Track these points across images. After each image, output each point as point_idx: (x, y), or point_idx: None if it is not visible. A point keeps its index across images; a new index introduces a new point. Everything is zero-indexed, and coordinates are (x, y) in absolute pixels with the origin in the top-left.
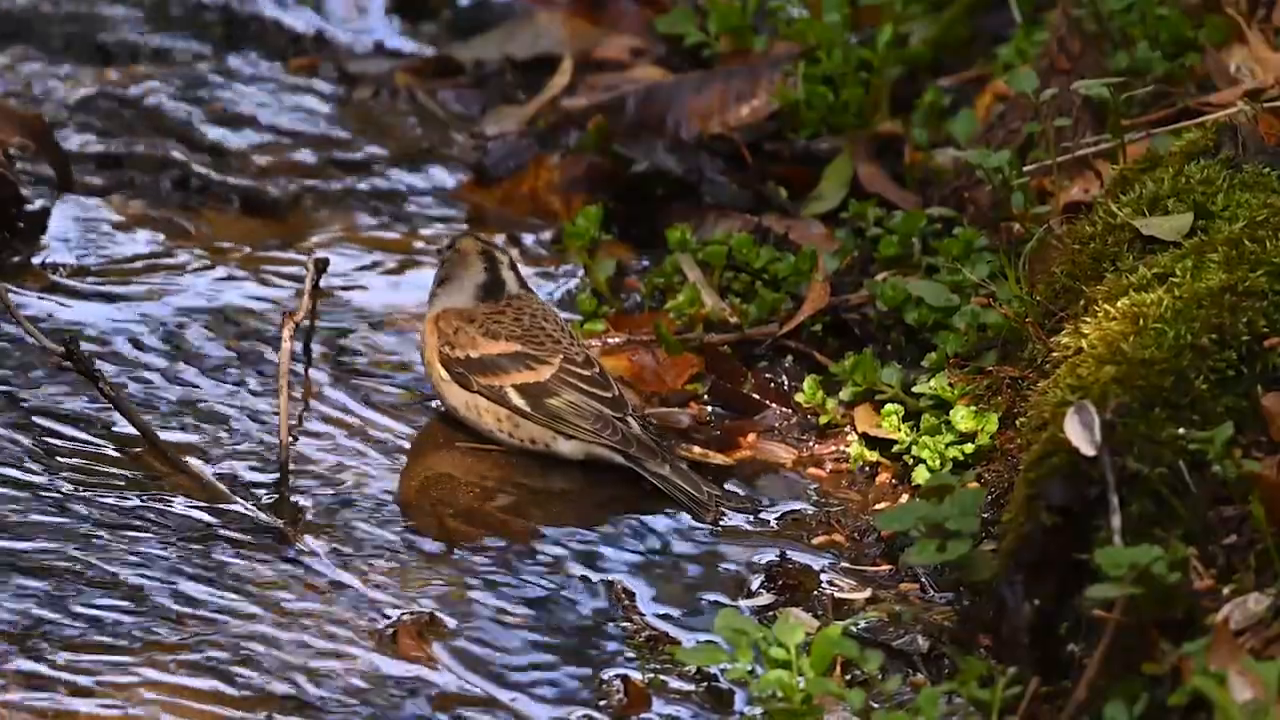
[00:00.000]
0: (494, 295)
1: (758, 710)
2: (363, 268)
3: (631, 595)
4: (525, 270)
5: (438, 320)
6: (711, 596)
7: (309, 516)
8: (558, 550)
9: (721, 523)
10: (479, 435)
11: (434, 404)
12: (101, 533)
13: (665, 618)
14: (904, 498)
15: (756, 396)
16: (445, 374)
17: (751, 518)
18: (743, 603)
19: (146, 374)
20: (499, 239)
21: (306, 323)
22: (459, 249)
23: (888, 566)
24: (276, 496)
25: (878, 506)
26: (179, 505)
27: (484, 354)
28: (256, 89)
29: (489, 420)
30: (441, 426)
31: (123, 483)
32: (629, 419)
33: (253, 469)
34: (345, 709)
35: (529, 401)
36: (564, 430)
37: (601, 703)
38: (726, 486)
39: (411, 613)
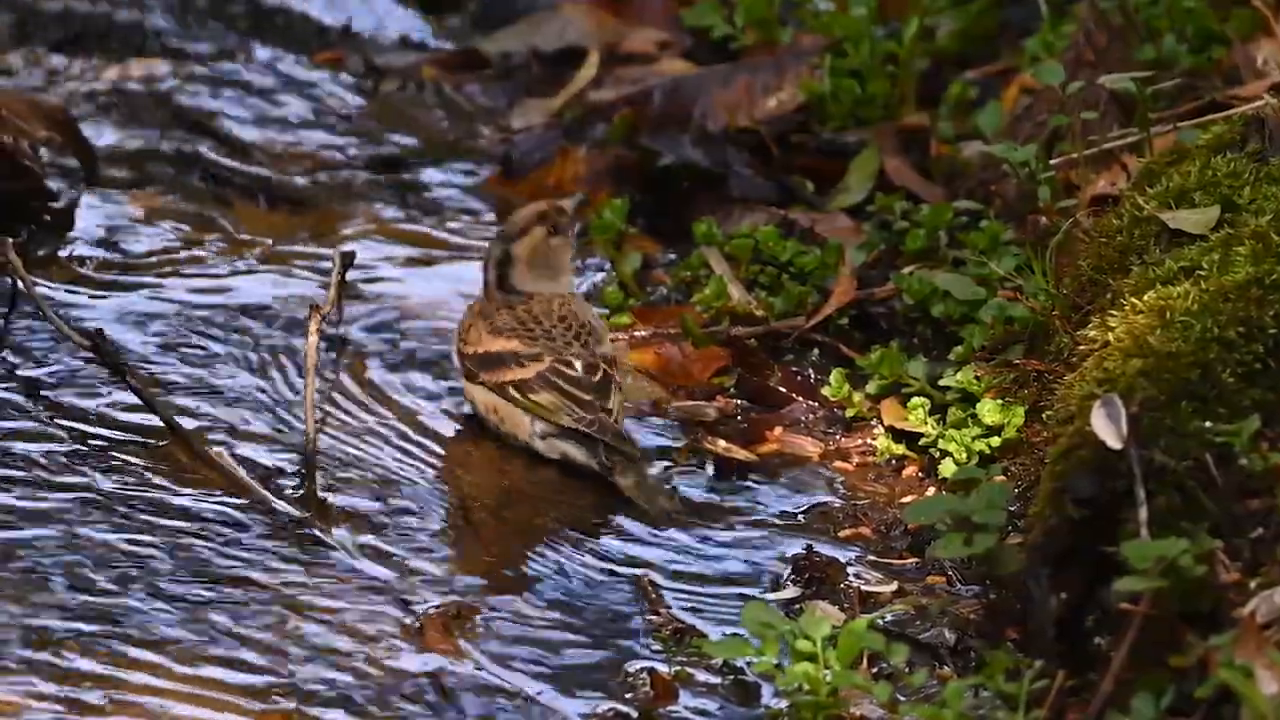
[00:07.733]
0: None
1: (784, 703)
2: (389, 261)
3: (658, 588)
4: None
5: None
6: (738, 589)
7: (335, 509)
8: (583, 543)
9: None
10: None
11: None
12: (126, 525)
13: (692, 610)
14: (930, 491)
15: (783, 390)
16: (458, 364)
17: (776, 512)
18: (769, 596)
19: (172, 366)
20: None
21: (333, 316)
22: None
23: (914, 560)
24: (302, 489)
25: (904, 500)
26: (204, 497)
27: (487, 350)
28: (283, 82)
29: (481, 409)
30: (467, 420)
31: (147, 474)
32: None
33: (278, 462)
34: (371, 701)
35: (520, 395)
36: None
37: (628, 695)
38: (750, 477)
39: (438, 605)
